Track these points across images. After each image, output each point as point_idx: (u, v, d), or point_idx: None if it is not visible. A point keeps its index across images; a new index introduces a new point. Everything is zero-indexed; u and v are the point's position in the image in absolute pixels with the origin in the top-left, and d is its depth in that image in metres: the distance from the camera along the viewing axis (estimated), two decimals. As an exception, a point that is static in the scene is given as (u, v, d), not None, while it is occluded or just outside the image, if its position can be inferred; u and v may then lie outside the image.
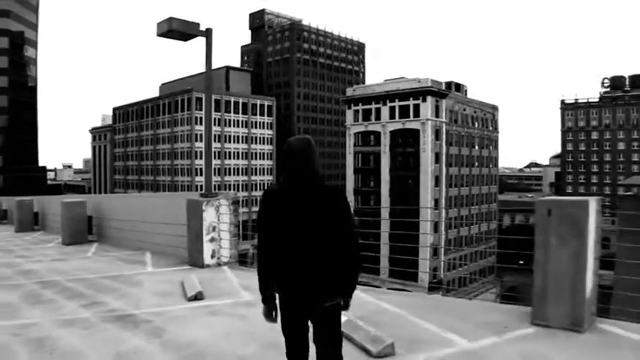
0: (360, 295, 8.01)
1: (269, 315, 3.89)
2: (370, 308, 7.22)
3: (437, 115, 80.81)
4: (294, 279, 3.74)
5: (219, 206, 10.97)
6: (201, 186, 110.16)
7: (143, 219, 13.94)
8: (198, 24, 10.44)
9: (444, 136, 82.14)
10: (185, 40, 10.79)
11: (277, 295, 3.88)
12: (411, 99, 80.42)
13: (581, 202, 5.99)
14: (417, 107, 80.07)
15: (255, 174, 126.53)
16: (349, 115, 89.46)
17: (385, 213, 79.87)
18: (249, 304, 7.63)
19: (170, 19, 10.14)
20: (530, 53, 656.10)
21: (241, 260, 11.75)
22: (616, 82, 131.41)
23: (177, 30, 10.21)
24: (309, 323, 3.88)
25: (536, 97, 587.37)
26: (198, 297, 8.09)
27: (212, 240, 10.84)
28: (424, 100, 79.29)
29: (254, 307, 7.40)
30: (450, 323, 6.44)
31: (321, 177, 3.93)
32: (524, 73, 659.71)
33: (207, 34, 10.61)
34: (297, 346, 3.94)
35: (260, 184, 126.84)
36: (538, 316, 6.27)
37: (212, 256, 10.86)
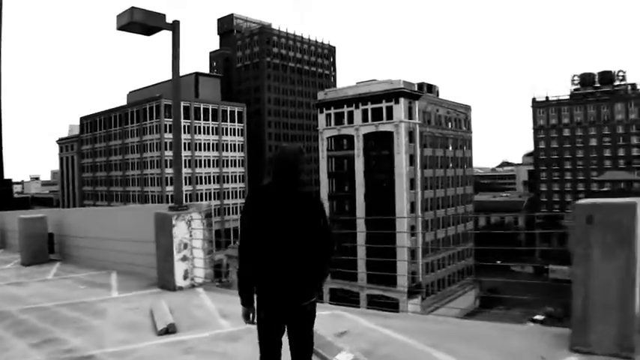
0: (360, 321, 6.96)
1: (247, 317, 4.09)
2: (375, 338, 6.18)
3: (410, 117, 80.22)
4: (275, 279, 3.89)
5: (191, 220, 9.82)
6: (172, 196, 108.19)
7: (108, 236, 12.70)
8: (164, 15, 9.31)
9: (417, 138, 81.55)
10: (149, 34, 9.65)
11: (256, 296, 4.00)
12: (383, 101, 79.67)
13: (628, 205, 5.02)
14: (389, 109, 79.34)
15: (227, 182, 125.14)
16: (321, 119, 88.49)
17: (361, 219, 79.14)
18: (230, 338, 6.53)
19: (132, 10, 8.96)
20: (499, 53, 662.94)
21: (216, 271, 10.55)
22: (585, 80, 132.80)
23: (140, 22, 9.06)
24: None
25: (506, 97, 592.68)
26: (169, 330, 6.93)
27: (184, 259, 9.68)
28: (397, 102, 78.61)
29: (236, 342, 6.32)
30: (472, 354, 5.44)
31: (307, 184, 4.24)
32: (495, 72, 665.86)
33: (174, 27, 9.47)
34: (272, 350, 4.04)
35: (232, 192, 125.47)
36: (579, 342, 5.27)
37: (185, 277, 9.70)
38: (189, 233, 9.76)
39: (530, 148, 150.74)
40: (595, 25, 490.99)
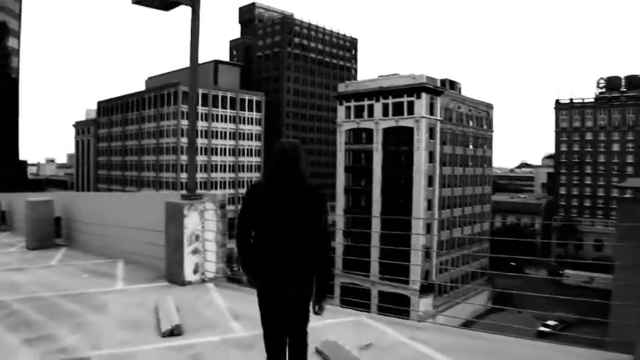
0: (387, 332, 6.29)
1: (251, 283, 4.38)
2: (405, 355, 5.50)
3: (431, 113, 79.20)
4: (271, 268, 4.15)
5: (204, 211, 9.17)
6: (186, 183, 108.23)
7: (117, 223, 12.11)
8: (183, -13, 8.67)
9: (438, 135, 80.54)
10: (167, 9, 9.00)
11: (256, 291, 4.32)
12: (405, 96, 78.67)
13: None
14: (411, 104, 78.37)
15: (243, 171, 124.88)
16: (341, 111, 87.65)
17: (376, 213, 78.49)
18: (242, 345, 5.89)
19: (147, -19, 8.34)
20: (525, 51, 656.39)
21: (228, 265, 9.92)
22: (612, 83, 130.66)
23: (156, -6, 8.43)
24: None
25: (528, 97, 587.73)
26: (175, 332, 6.29)
27: (195, 252, 9.03)
28: (418, 97, 77.59)
29: (249, 350, 5.68)
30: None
31: (307, 177, 4.39)
32: (518, 71, 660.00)
33: (194, 1, 8.83)
34: (277, 348, 4.26)
35: (248, 181, 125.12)
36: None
37: (195, 271, 9.05)
38: (202, 224, 9.12)
39: (551, 150, 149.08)
40: (624, 27, 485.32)
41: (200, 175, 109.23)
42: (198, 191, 9.53)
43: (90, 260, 12.02)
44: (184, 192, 9.41)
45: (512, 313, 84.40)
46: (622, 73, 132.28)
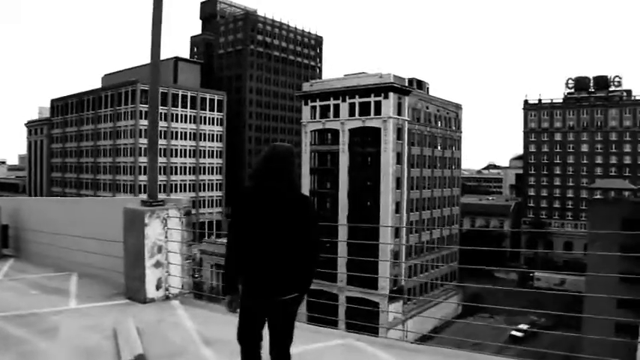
0: (382, 357, 5.69)
1: (230, 305, 4.32)
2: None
3: (399, 113, 79.07)
4: (259, 274, 4.15)
5: (168, 218, 8.43)
6: (144, 186, 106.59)
7: (70, 231, 11.25)
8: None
9: (406, 136, 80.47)
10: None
11: (241, 288, 4.26)
12: (372, 95, 78.35)
13: None
14: (378, 104, 78.11)
15: (204, 173, 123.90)
16: (306, 111, 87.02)
17: (343, 218, 78.07)
18: (216, 377, 5.22)
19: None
20: (492, 51, 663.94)
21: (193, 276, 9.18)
22: (580, 83, 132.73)
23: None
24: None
25: (495, 97, 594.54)
26: (137, 363, 5.60)
27: (157, 264, 8.28)
28: (386, 97, 77.38)
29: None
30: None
31: (298, 186, 4.45)
32: (485, 71, 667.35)
33: (155, -14, 8.11)
34: (251, 342, 4.28)
35: (208, 183, 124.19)
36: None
37: (158, 287, 8.30)
38: (165, 234, 8.38)
39: (519, 151, 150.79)
40: (592, 28, 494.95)
41: (159, 178, 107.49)
42: (161, 196, 8.81)
43: (40, 273, 11.15)
44: (145, 197, 8.65)
45: (484, 318, 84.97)
46: (590, 74, 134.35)
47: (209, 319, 7.24)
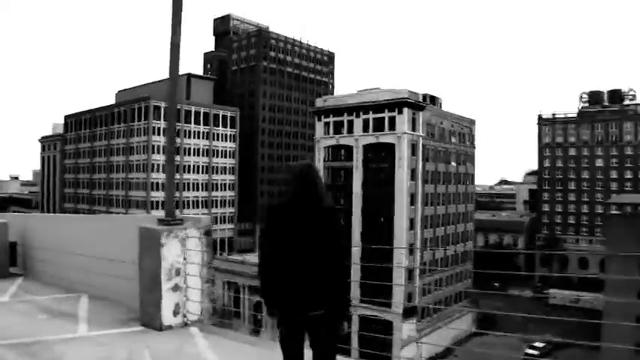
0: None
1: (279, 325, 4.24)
2: None
3: (413, 129, 78.39)
4: (290, 289, 4.11)
5: (186, 238, 7.75)
6: (157, 202, 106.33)
7: (81, 250, 10.61)
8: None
9: (420, 152, 79.76)
10: None
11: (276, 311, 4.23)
12: (386, 111, 77.80)
13: None
14: (392, 120, 77.52)
15: (216, 189, 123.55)
16: (319, 127, 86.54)
17: (357, 234, 77.30)
18: None
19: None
20: (504, 66, 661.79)
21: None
22: (594, 97, 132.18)
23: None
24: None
25: (506, 112, 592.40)
26: (153, 406, 4.90)
27: (175, 288, 7.59)
28: (400, 112, 76.78)
29: None
30: None
31: (326, 199, 4.46)
32: (497, 87, 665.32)
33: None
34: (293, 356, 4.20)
35: (221, 200, 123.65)
36: None
37: (175, 313, 7.59)
38: (184, 255, 7.70)
39: (532, 166, 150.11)
40: (606, 41, 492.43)
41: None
42: (179, 214, 8.14)
43: (49, 295, 10.49)
44: (161, 215, 7.98)
45: (498, 336, 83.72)
46: (604, 88, 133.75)
47: (232, 350, 6.55)
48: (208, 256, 7.95)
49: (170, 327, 7.50)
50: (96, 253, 9.89)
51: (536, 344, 78.87)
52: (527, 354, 74.66)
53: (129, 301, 8.45)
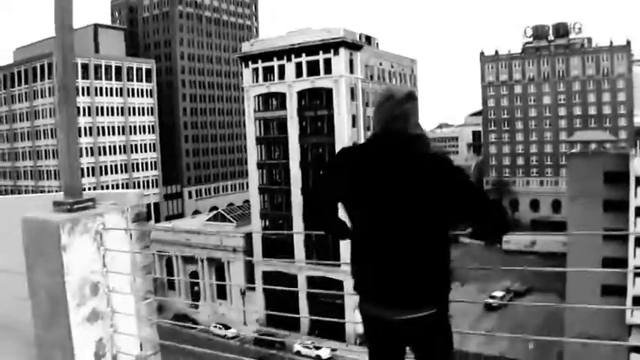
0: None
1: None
2: None
3: (351, 71, 76.28)
4: (368, 278, 3.14)
5: (104, 231, 4.85)
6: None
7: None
8: None
9: (360, 96, 77.92)
10: None
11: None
12: (320, 52, 75.15)
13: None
14: (327, 62, 75.07)
15: (136, 151, 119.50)
16: (247, 74, 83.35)
17: (296, 190, 75.33)
18: None
19: None
20: (443, 1, 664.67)
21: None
22: (539, 32, 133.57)
23: None
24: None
25: (444, 51, 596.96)
26: None
27: (93, 317, 4.73)
28: (336, 54, 74.30)
29: None
30: None
31: (430, 142, 3.31)
32: (436, 24, 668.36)
33: None
34: None
35: (142, 163, 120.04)
36: None
37: (97, 356, 4.77)
38: (102, 260, 4.78)
39: (474, 107, 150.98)
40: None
41: (84, 160, 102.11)
42: (88, 192, 5.17)
43: None
44: (59, 196, 5.00)
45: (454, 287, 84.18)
46: (549, 22, 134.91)
47: None
48: (145, 257, 5.14)
49: (89, 381, 4.67)
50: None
51: (496, 293, 79.77)
52: (487, 304, 75.58)
53: (25, 331, 5.52)
